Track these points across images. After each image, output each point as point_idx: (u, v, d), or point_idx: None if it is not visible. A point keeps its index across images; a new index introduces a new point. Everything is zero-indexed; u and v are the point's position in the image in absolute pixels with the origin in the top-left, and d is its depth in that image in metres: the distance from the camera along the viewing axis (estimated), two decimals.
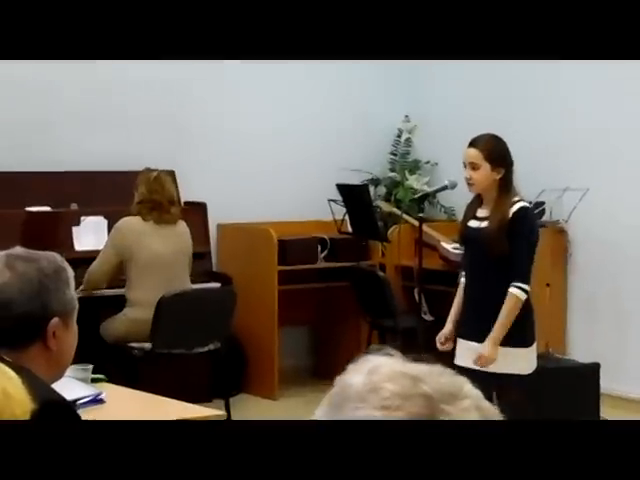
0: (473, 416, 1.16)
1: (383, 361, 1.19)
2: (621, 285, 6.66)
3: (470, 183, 4.46)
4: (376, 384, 1.16)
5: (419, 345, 5.10)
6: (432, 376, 1.17)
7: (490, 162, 4.40)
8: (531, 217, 4.63)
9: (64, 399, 2.13)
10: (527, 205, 4.51)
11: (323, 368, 7.37)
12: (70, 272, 2.28)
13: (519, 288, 4.35)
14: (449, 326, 4.63)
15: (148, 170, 5.82)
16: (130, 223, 5.65)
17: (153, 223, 5.66)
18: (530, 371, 4.47)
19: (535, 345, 4.51)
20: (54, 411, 1.89)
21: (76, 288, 5.70)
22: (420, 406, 1.14)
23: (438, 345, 4.59)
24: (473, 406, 1.16)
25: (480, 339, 4.45)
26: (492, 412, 1.19)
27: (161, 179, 5.74)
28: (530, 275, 4.41)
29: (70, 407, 2.20)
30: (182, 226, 5.83)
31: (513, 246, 4.36)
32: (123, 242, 5.60)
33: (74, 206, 6.36)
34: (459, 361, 4.55)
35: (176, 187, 6.16)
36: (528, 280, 4.39)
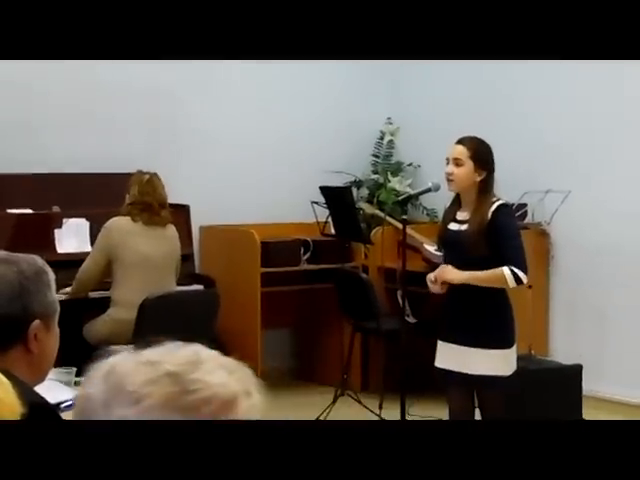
0: (221, 375, 1.21)
1: (115, 360, 1.22)
2: (603, 287, 6.68)
3: (450, 179, 4.47)
4: (118, 384, 1.19)
5: (402, 347, 5.10)
6: (168, 354, 1.21)
7: (474, 161, 4.42)
8: (511, 213, 4.66)
9: (49, 403, 2.12)
10: (506, 202, 4.53)
11: (306, 370, 7.38)
12: (51, 274, 2.27)
13: (511, 271, 4.32)
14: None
15: (140, 172, 5.84)
16: (119, 223, 5.66)
17: (142, 224, 5.67)
18: (510, 372, 4.47)
19: (515, 347, 4.52)
20: (42, 415, 1.89)
21: (62, 290, 5.67)
22: (169, 384, 1.18)
23: (430, 285, 4.55)
24: (216, 366, 1.22)
25: (460, 342, 4.46)
26: (235, 366, 1.24)
27: (153, 182, 5.77)
28: (526, 265, 4.38)
29: (55, 412, 2.20)
30: (172, 230, 5.84)
31: (501, 240, 4.35)
32: (110, 241, 5.61)
33: (56, 208, 6.33)
34: (439, 363, 4.55)
35: None
36: (524, 267, 4.35)
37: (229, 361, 1.26)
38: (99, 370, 1.22)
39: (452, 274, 4.43)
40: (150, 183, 5.76)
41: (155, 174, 5.85)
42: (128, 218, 5.67)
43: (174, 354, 1.23)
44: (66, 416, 2.70)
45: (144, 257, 5.62)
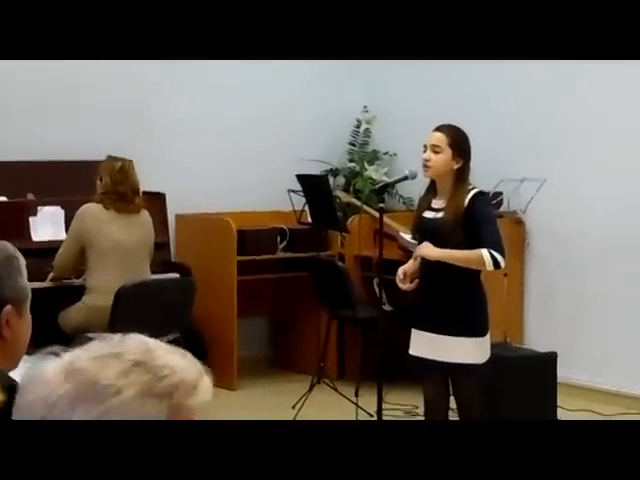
0: (178, 359, 1.24)
1: (70, 359, 1.20)
2: (577, 275, 6.72)
3: (427, 165, 4.46)
4: (88, 381, 1.17)
5: (378, 335, 5.11)
6: (123, 344, 1.22)
7: (452, 149, 4.43)
8: (488, 200, 4.69)
9: None
10: (482, 190, 4.54)
11: (282, 359, 7.38)
12: (22, 260, 2.25)
13: (491, 254, 4.31)
14: (411, 262, 4.60)
15: (112, 159, 5.79)
16: (91, 210, 5.64)
17: (114, 211, 5.66)
18: (484, 360, 4.48)
19: (489, 334, 4.53)
20: None
21: (38, 280, 5.66)
22: (142, 373, 1.19)
23: (398, 282, 4.55)
24: (167, 351, 1.25)
25: (434, 330, 4.46)
26: (180, 349, 1.26)
27: (126, 169, 5.72)
28: (504, 249, 4.39)
29: None
30: (145, 215, 5.82)
31: (478, 227, 4.35)
32: (83, 228, 5.61)
33: (31, 196, 6.30)
34: (414, 351, 4.56)
35: None
36: (502, 252, 4.35)
37: (171, 346, 1.27)
38: (52, 373, 1.20)
39: (428, 249, 4.42)
40: (122, 171, 5.71)
41: (126, 160, 5.81)
42: (100, 206, 5.65)
43: (126, 344, 1.24)
44: None
45: (118, 244, 5.61)
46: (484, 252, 4.31)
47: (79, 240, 5.63)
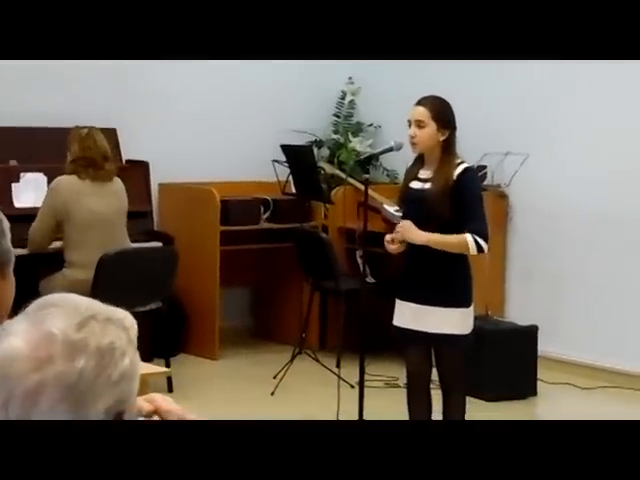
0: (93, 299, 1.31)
1: (59, 331, 1.25)
2: (559, 250, 6.74)
3: (414, 142, 4.45)
4: (98, 349, 1.24)
5: (361, 307, 5.12)
6: (79, 305, 1.30)
7: (436, 122, 4.41)
8: (476, 177, 4.67)
9: None
10: (471, 166, 4.53)
11: (264, 329, 7.39)
12: (5, 222, 2.22)
13: (475, 240, 4.32)
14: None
15: (78, 128, 5.76)
16: (66, 182, 5.59)
17: (89, 182, 5.61)
18: (468, 331, 4.49)
19: (473, 306, 4.54)
20: None
21: (20, 247, 5.60)
22: (120, 327, 1.28)
23: (386, 244, 4.54)
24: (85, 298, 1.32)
25: (419, 301, 4.47)
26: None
27: (92, 135, 5.68)
28: (488, 233, 4.39)
29: None
30: (118, 183, 5.78)
31: (465, 207, 4.35)
32: (59, 201, 5.55)
33: (13, 162, 6.27)
34: (397, 322, 4.57)
35: (117, 145, 6.10)
36: (486, 236, 4.36)
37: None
38: (63, 355, 1.22)
39: (414, 234, 4.41)
40: (89, 137, 5.67)
41: (93, 127, 5.78)
42: (75, 177, 5.60)
43: (81, 305, 1.28)
44: None
45: (96, 216, 5.57)
46: (468, 238, 4.31)
47: (55, 214, 5.56)
